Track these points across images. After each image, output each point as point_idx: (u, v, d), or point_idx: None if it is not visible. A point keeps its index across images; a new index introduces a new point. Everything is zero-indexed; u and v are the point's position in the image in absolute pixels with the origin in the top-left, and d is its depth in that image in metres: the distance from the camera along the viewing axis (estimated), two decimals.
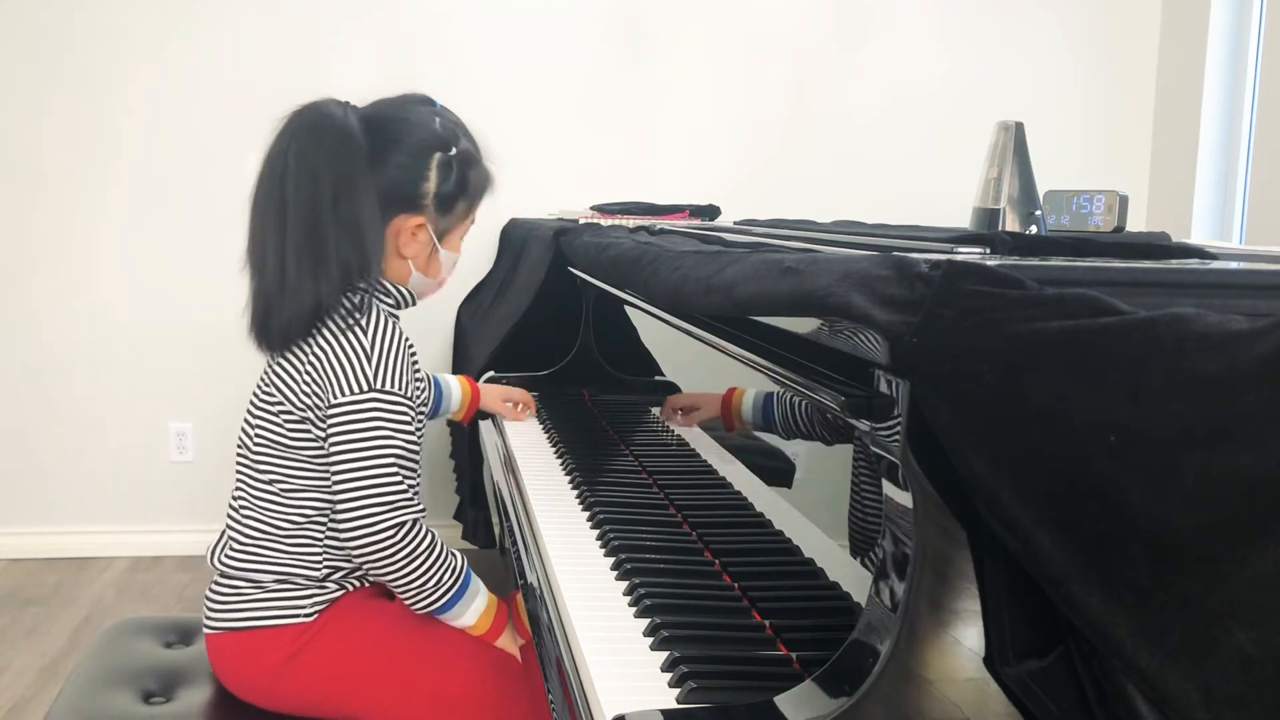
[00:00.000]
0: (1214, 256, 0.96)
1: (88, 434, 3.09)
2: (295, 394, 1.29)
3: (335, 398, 1.25)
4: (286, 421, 1.30)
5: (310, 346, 1.28)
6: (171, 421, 3.12)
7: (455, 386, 1.76)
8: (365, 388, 1.25)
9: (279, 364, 1.31)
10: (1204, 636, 0.52)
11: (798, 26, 3.18)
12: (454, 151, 1.34)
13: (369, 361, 1.26)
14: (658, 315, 1.44)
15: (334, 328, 1.28)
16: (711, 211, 2.74)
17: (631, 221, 2.27)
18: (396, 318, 1.36)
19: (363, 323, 1.28)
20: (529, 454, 1.69)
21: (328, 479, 1.28)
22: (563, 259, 2.09)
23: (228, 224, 3.30)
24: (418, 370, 1.36)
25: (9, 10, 2.93)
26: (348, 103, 1.32)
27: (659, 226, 1.95)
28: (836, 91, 3.21)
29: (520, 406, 1.92)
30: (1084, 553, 0.58)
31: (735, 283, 0.96)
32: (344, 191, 1.26)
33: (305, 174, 1.26)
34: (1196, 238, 2.83)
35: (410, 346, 1.33)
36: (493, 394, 1.87)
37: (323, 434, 1.28)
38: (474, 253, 3.02)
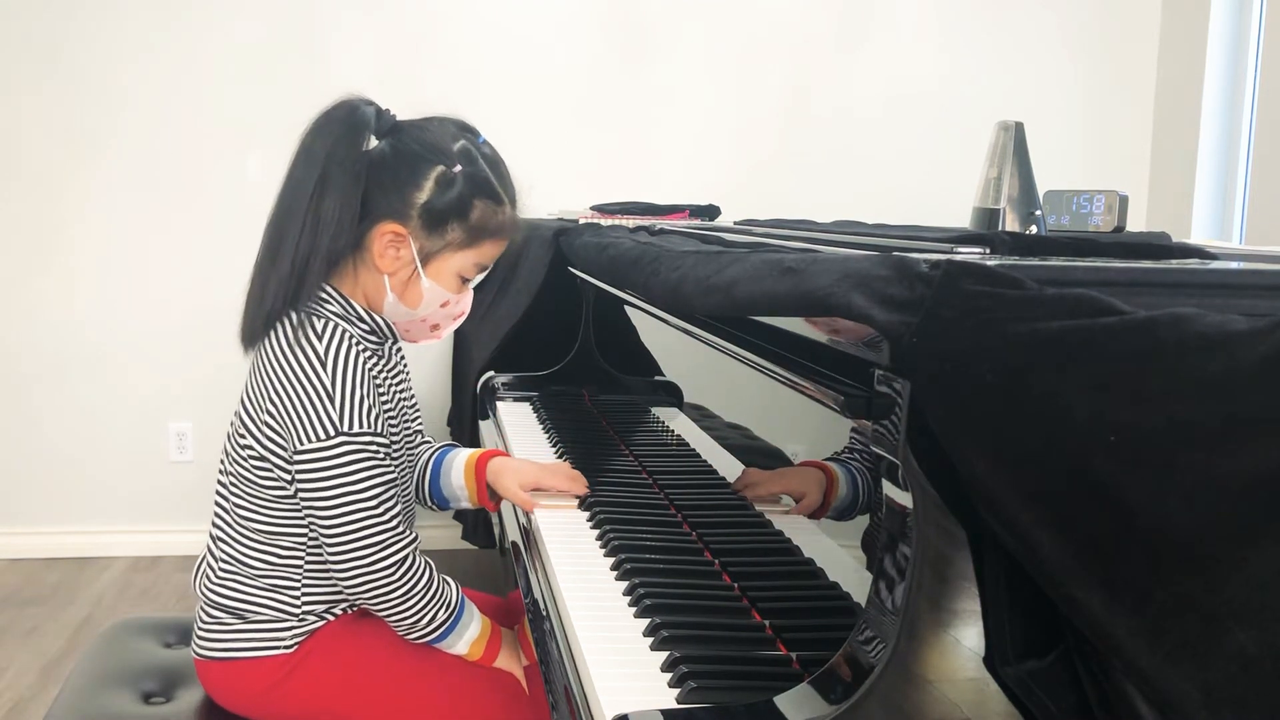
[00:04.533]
0: (1214, 256, 0.96)
1: (88, 434, 3.09)
2: (257, 427, 1.25)
3: (301, 443, 1.20)
4: (250, 458, 1.26)
5: (269, 369, 1.23)
6: (171, 421, 3.12)
7: (458, 475, 1.46)
8: (332, 431, 1.19)
9: (249, 379, 1.28)
10: (1204, 636, 0.52)
11: (798, 26, 3.18)
12: (458, 169, 1.26)
13: (332, 403, 1.20)
14: (658, 315, 1.44)
15: (290, 353, 1.22)
16: (711, 211, 2.74)
17: (631, 221, 2.27)
18: (375, 345, 1.30)
19: (320, 350, 1.21)
20: (528, 454, 1.69)
21: (298, 520, 1.26)
22: (563, 259, 2.09)
23: (228, 223, 3.30)
24: (383, 392, 1.29)
25: (6, 8, 2.93)
26: (386, 109, 1.29)
27: (659, 226, 1.95)
28: (836, 91, 3.21)
29: (552, 493, 1.42)
30: (1084, 553, 0.58)
31: (735, 282, 0.96)
32: (329, 182, 1.22)
33: (303, 158, 1.24)
34: (1196, 238, 2.83)
35: (373, 367, 1.26)
36: (510, 477, 1.43)
37: (288, 478, 1.24)
38: None
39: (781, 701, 0.79)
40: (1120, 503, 0.55)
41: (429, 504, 1.48)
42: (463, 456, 1.47)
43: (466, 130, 1.31)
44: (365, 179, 1.25)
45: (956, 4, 3.23)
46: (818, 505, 1.04)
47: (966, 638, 0.72)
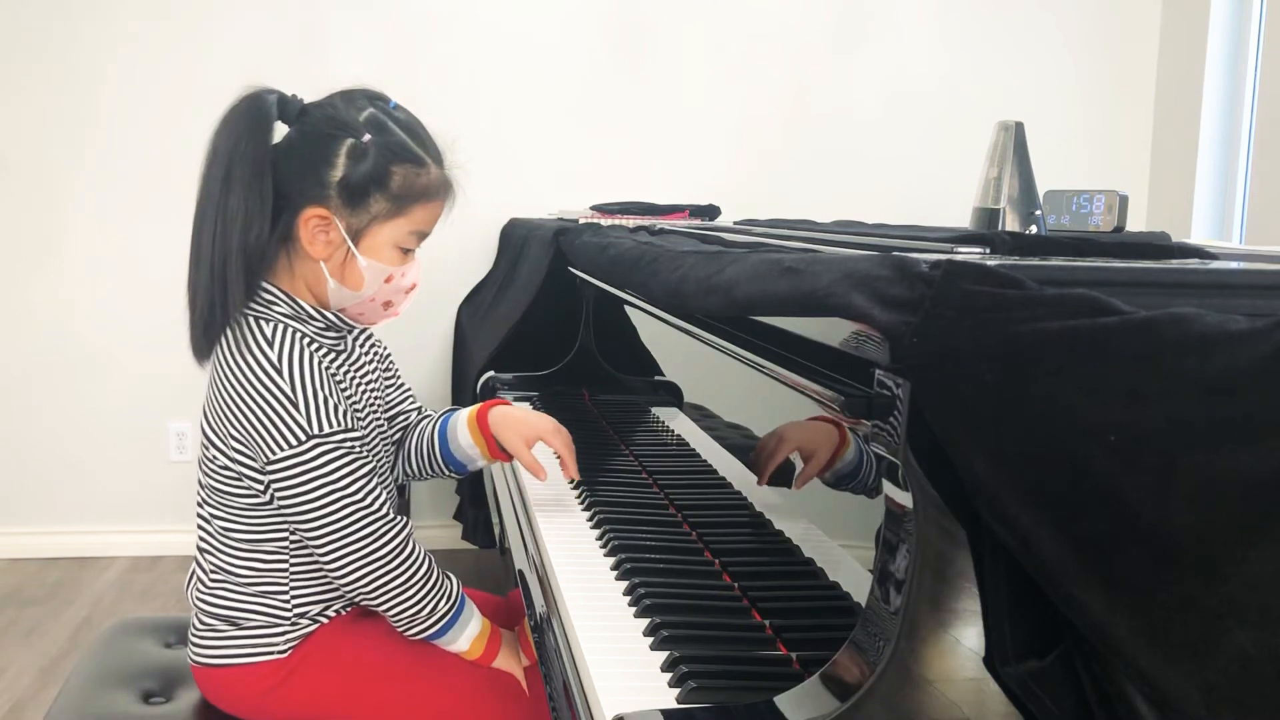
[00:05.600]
0: (1214, 256, 0.96)
1: (88, 434, 3.09)
2: (223, 441, 1.23)
3: (273, 454, 1.18)
4: (220, 469, 1.24)
5: (226, 382, 1.21)
6: (171, 421, 3.12)
7: (464, 436, 1.43)
8: (303, 437, 1.18)
9: (208, 391, 1.25)
10: (1204, 636, 0.52)
11: (798, 26, 3.18)
12: (368, 138, 1.22)
13: (296, 408, 1.18)
14: (658, 315, 1.44)
15: (243, 362, 1.20)
16: (711, 211, 2.74)
17: (631, 221, 2.27)
18: (333, 341, 1.28)
19: (272, 357, 1.19)
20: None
21: (278, 527, 1.25)
22: (563, 259, 2.09)
23: None
24: (344, 386, 1.27)
25: (4, 9, 2.94)
26: (293, 95, 1.26)
27: (659, 226, 1.95)
28: (836, 91, 3.21)
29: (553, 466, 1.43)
30: (1084, 553, 0.58)
31: (735, 282, 0.96)
32: (232, 178, 1.19)
33: (210, 157, 1.22)
34: (1196, 238, 2.83)
35: (330, 363, 1.24)
36: (513, 428, 1.42)
37: (261, 487, 1.22)
38: (474, 253, 3.04)
39: (781, 701, 0.79)
40: (1120, 503, 0.55)
41: (446, 472, 1.45)
42: (464, 416, 1.44)
43: (375, 98, 1.27)
44: (277, 169, 1.22)
45: (956, 4, 3.23)
46: (825, 463, 1.01)
47: (966, 638, 0.72)
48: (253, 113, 1.22)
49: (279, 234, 1.24)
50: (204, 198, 1.22)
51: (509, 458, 1.44)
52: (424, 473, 1.47)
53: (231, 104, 1.24)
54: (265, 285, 1.24)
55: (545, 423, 1.42)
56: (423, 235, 1.30)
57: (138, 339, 3.07)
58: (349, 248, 1.25)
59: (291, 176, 1.23)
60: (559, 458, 1.42)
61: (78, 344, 3.06)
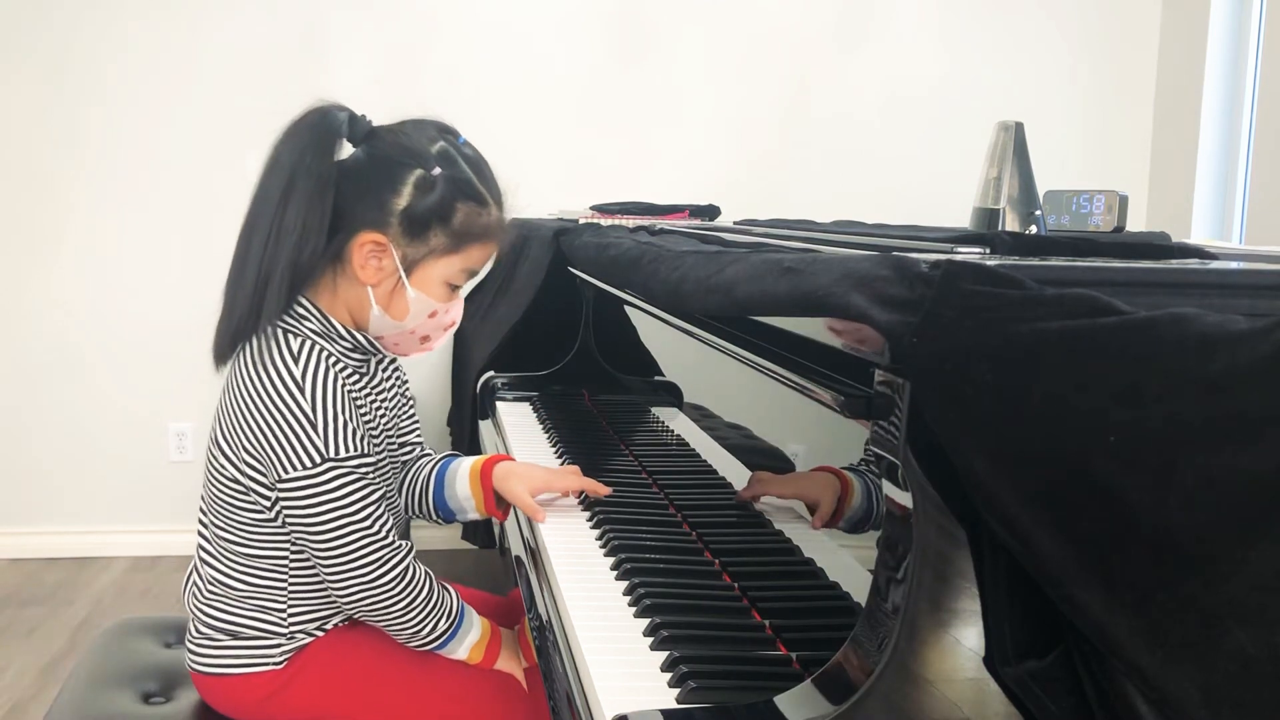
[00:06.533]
0: (1214, 256, 0.96)
1: (88, 434, 3.09)
2: (235, 454, 1.22)
3: (286, 472, 1.17)
4: (228, 481, 1.23)
5: (245, 393, 1.19)
6: (171, 421, 3.12)
7: (462, 486, 1.41)
8: (319, 459, 1.16)
9: (223, 399, 1.24)
10: (1204, 636, 0.52)
11: (798, 26, 3.18)
12: (437, 171, 1.21)
13: (315, 429, 1.16)
14: (658, 315, 1.44)
15: (265, 376, 1.18)
16: (711, 211, 2.74)
17: (631, 221, 2.27)
18: (358, 363, 1.27)
19: (296, 374, 1.17)
20: (528, 455, 1.69)
21: (279, 543, 1.25)
22: (563, 259, 2.09)
23: (229, 223, 3.30)
24: (362, 408, 1.25)
25: (10, 20, 2.93)
26: (362, 115, 1.24)
27: (659, 226, 1.95)
28: (836, 91, 3.21)
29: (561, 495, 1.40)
30: (1084, 553, 0.58)
31: (735, 283, 0.96)
32: (294, 191, 1.17)
33: (271, 167, 1.20)
34: (1196, 238, 2.83)
35: (352, 385, 1.23)
36: (518, 484, 1.37)
37: (268, 503, 1.22)
38: None
39: (781, 701, 0.79)
40: (1120, 503, 0.55)
41: (434, 518, 1.43)
42: (467, 464, 1.42)
43: (446, 131, 1.26)
44: (339, 188, 1.20)
45: (956, 4, 3.23)
46: (830, 514, 1.00)
47: (966, 638, 0.72)
48: (320, 128, 1.21)
49: (330, 253, 1.22)
50: (259, 206, 1.20)
51: (504, 515, 1.43)
52: (409, 512, 1.45)
53: (299, 115, 1.22)
54: (300, 300, 1.23)
55: (545, 473, 1.39)
56: (472, 274, 1.29)
57: (138, 339, 3.07)
58: (400, 277, 1.23)
59: (352, 198, 1.21)
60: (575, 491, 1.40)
61: (78, 344, 3.06)
